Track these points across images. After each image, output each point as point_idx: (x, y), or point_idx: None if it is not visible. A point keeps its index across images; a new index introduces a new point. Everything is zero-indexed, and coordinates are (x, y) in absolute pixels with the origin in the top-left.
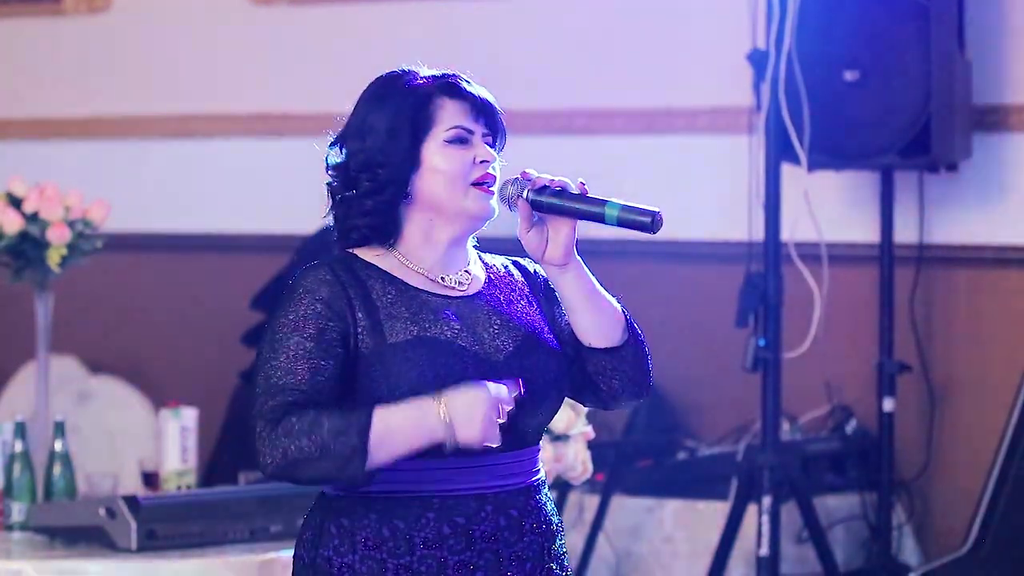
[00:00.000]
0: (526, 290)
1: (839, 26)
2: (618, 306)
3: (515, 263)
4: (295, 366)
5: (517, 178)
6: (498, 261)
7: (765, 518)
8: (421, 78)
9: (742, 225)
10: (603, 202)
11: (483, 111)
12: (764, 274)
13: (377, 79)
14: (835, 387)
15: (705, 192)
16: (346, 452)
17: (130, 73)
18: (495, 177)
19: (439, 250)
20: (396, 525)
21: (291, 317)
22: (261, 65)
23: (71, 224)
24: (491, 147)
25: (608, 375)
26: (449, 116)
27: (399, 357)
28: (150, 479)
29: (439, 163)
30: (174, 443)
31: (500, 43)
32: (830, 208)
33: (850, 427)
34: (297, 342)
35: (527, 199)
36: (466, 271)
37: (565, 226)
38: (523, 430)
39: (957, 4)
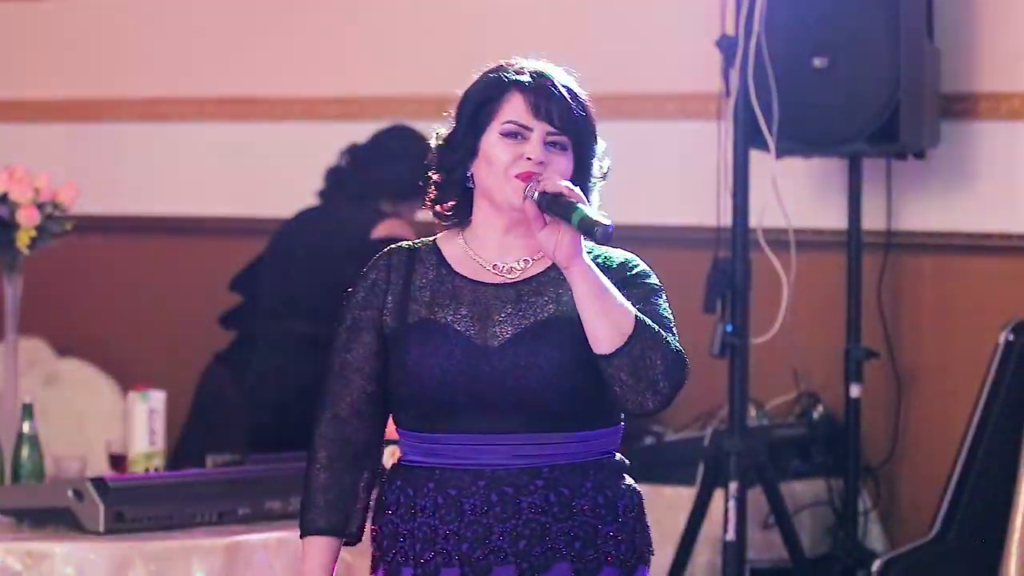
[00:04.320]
0: None
1: (808, 13)
2: (629, 317)
3: (614, 257)
4: (333, 360)
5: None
6: (602, 254)
7: (731, 503)
8: (509, 70)
9: (710, 211)
10: (574, 208)
11: (552, 112)
12: (732, 260)
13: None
14: (802, 373)
15: (673, 178)
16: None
17: (100, 56)
18: (533, 174)
19: (495, 238)
20: (408, 492)
21: (345, 305)
22: (233, 48)
23: (41, 206)
24: (563, 150)
25: (609, 382)
26: (510, 110)
27: (406, 338)
28: (118, 461)
29: (490, 153)
30: (142, 425)
31: (466, 28)
32: (798, 194)
33: (817, 413)
34: (339, 334)
35: (533, 199)
36: (526, 259)
37: (569, 230)
38: (530, 416)
39: None
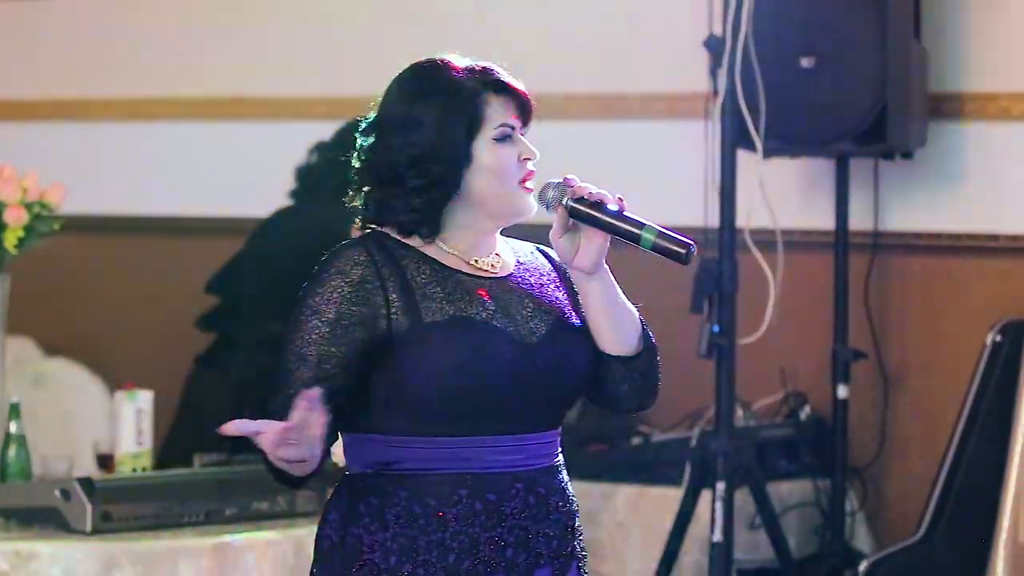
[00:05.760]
0: (554, 275)
1: (795, 13)
2: (637, 317)
3: (539, 249)
4: (306, 351)
5: (559, 182)
6: (524, 247)
7: (718, 504)
8: (463, 72)
9: (698, 211)
10: (640, 224)
11: (525, 108)
12: (719, 260)
13: (415, 69)
14: (789, 374)
15: (661, 178)
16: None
17: (87, 55)
18: (534, 174)
19: (471, 237)
20: (427, 502)
21: (315, 299)
22: (216, 48)
23: (28, 206)
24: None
25: (618, 381)
26: (496, 114)
27: (438, 337)
28: (105, 461)
29: (490, 161)
30: (129, 425)
31: (452, 27)
32: (785, 195)
33: (804, 413)
34: (314, 326)
35: (565, 206)
36: (496, 254)
37: (598, 237)
38: (555, 412)
39: None
